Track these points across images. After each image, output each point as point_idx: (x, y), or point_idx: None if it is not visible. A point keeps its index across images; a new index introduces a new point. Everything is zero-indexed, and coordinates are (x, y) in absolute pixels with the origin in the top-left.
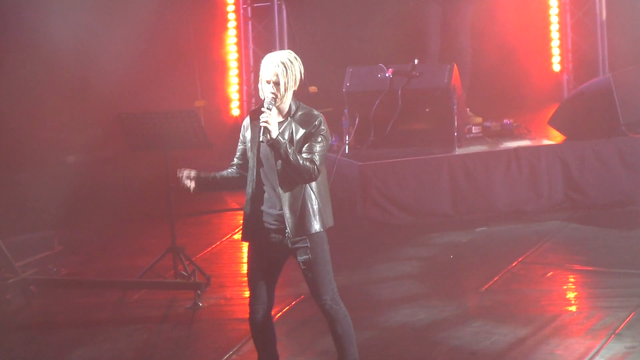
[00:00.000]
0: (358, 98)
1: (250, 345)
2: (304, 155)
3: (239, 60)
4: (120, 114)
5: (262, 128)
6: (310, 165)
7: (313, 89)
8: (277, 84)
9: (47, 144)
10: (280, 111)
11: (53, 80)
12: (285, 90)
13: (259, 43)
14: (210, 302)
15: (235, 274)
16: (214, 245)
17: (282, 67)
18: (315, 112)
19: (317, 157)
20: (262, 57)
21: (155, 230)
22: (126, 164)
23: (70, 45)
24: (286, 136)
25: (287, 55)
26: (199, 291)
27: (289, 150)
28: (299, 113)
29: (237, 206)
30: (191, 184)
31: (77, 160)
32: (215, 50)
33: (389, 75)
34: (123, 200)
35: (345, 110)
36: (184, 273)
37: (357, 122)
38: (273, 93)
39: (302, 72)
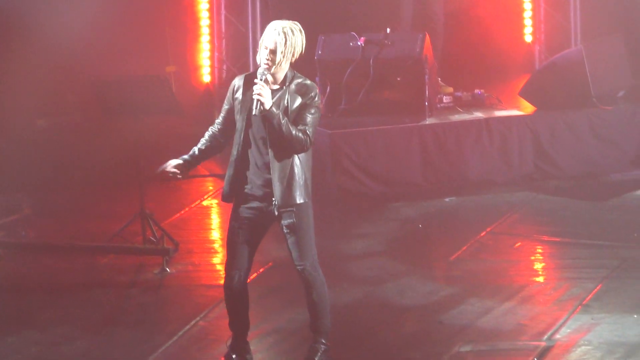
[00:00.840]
0: (330, 66)
1: (218, 311)
2: (297, 125)
3: (211, 26)
4: (92, 79)
5: (256, 101)
6: (303, 137)
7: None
8: (273, 52)
9: (18, 108)
10: (275, 79)
11: (24, 45)
12: (282, 60)
13: (231, 9)
14: (178, 268)
15: (203, 240)
16: (182, 211)
17: (282, 36)
18: (311, 83)
19: (310, 129)
20: (234, 23)
21: (125, 195)
22: (97, 129)
23: (42, 10)
24: (281, 106)
25: (291, 25)
26: (167, 257)
27: (282, 121)
28: (295, 82)
29: (206, 172)
30: (176, 172)
31: (47, 125)
32: (187, 16)
33: (361, 44)
34: (93, 165)
35: (317, 79)
36: (153, 239)
37: (328, 90)
38: (268, 60)
39: (304, 45)
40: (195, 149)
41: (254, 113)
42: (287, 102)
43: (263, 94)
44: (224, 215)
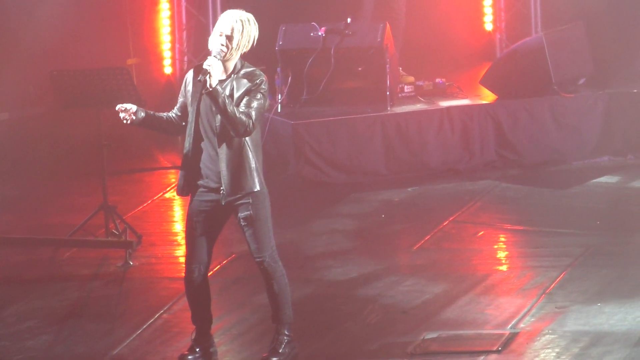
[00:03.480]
0: (291, 56)
1: (181, 304)
2: (241, 108)
3: (172, 18)
4: (51, 71)
5: (204, 71)
6: (246, 119)
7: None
8: (230, 38)
9: None
10: (225, 69)
11: None
12: (236, 48)
13: (192, 1)
14: (141, 260)
15: (166, 232)
16: (145, 204)
17: (239, 24)
18: (258, 71)
19: (253, 112)
20: (195, 15)
21: (87, 188)
22: (58, 121)
23: (1, 3)
24: (227, 91)
25: (247, 15)
26: (130, 250)
27: (227, 101)
28: (243, 71)
29: (169, 164)
30: (129, 116)
31: (8, 117)
32: (148, 8)
33: (322, 34)
34: (55, 158)
35: (278, 69)
36: (115, 231)
37: (289, 80)
38: (223, 45)
39: (256, 38)
40: (155, 113)
41: (198, 79)
42: (234, 88)
43: (213, 66)
44: (186, 207)
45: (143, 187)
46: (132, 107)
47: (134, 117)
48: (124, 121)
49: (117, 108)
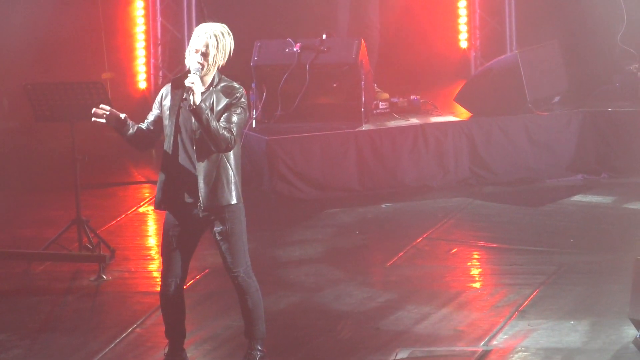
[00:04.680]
0: (266, 72)
1: (154, 318)
2: (222, 123)
3: (147, 32)
4: (25, 85)
5: (187, 88)
6: (228, 135)
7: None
8: (205, 55)
9: None
10: (203, 83)
11: None
12: (213, 63)
13: (167, 15)
14: (115, 275)
15: (139, 247)
16: (119, 218)
17: (214, 40)
18: (237, 85)
19: (235, 128)
20: (170, 30)
21: (61, 202)
22: (32, 135)
23: None
24: (207, 106)
25: (220, 28)
26: (103, 264)
27: (210, 117)
28: (221, 85)
29: (142, 179)
30: (103, 114)
31: None
32: (123, 22)
33: (297, 50)
34: (28, 171)
35: (253, 85)
36: (89, 245)
37: (264, 96)
38: (200, 62)
39: (232, 48)
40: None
41: (183, 97)
42: (213, 102)
43: (196, 83)
44: (160, 221)
45: (117, 201)
46: (119, 115)
47: (104, 113)
48: (93, 117)
49: (99, 108)
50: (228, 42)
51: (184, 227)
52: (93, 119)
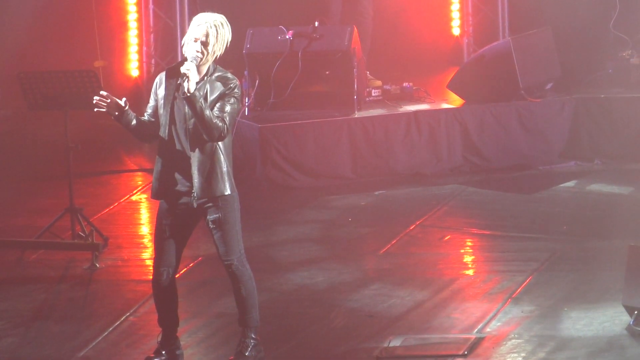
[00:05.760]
0: (258, 60)
1: (147, 306)
2: (215, 112)
3: (139, 20)
4: (19, 73)
5: (183, 74)
6: (221, 124)
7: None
8: (205, 44)
9: None
10: (198, 72)
11: None
12: (212, 53)
13: (159, 3)
14: (108, 263)
15: (132, 235)
16: (112, 206)
17: (214, 29)
18: (231, 75)
19: (227, 117)
20: (162, 18)
21: (54, 190)
22: (25, 123)
23: None
24: (201, 94)
25: (220, 19)
26: (96, 252)
27: (204, 106)
28: (216, 74)
29: (135, 167)
30: (103, 103)
31: None
32: (115, 10)
33: (290, 37)
34: (22, 159)
35: (246, 72)
36: (82, 234)
37: (257, 84)
38: (199, 52)
39: (230, 40)
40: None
41: (178, 81)
42: (207, 91)
43: (192, 70)
44: (153, 210)
45: (110, 190)
46: (119, 101)
47: (107, 102)
48: (95, 108)
49: (99, 96)
50: (227, 33)
51: (177, 217)
52: (95, 109)
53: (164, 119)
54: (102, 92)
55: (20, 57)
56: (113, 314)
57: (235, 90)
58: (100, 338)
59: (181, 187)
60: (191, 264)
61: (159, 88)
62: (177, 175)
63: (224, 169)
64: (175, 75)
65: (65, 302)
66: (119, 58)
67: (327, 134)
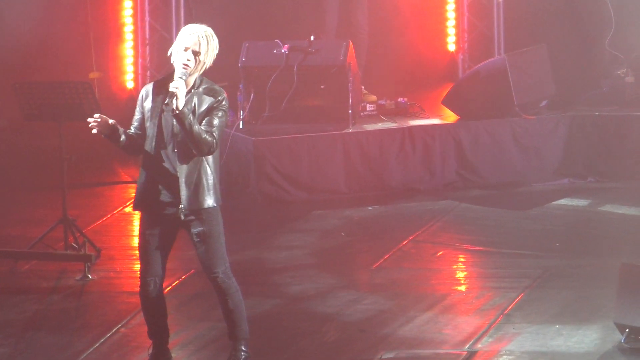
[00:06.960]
0: (254, 73)
1: (139, 318)
2: (203, 127)
3: (135, 32)
4: (14, 83)
5: (171, 94)
6: (210, 139)
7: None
8: (196, 53)
9: None
10: (186, 84)
11: None
12: (202, 63)
13: (155, 15)
14: (100, 274)
15: (125, 247)
16: (105, 218)
17: (205, 40)
18: (218, 87)
19: (216, 132)
20: (158, 30)
21: (47, 201)
22: (20, 134)
23: None
24: (189, 108)
25: (209, 30)
26: (89, 263)
27: (193, 122)
28: (203, 87)
29: (129, 179)
30: (97, 123)
31: None
32: (111, 22)
33: (285, 51)
34: (15, 170)
35: (241, 85)
36: (75, 245)
37: (252, 97)
38: (188, 61)
39: (217, 52)
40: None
41: (165, 102)
42: (195, 105)
43: (180, 89)
44: None
45: (103, 201)
46: (109, 120)
47: (97, 124)
48: (92, 130)
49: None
50: (216, 46)
51: (161, 228)
52: (92, 131)
53: (150, 132)
54: (95, 115)
55: (16, 68)
56: (105, 326)
57: (223, 102)
58: (91, 349)
59: (165, 198)
60: (183, 277)
61: (145, 100)
62: (162, 187)
63: (211, 181)
64: (163, 88)
65: (57, 313)
66: (115, 70)
67: (322, 148)
